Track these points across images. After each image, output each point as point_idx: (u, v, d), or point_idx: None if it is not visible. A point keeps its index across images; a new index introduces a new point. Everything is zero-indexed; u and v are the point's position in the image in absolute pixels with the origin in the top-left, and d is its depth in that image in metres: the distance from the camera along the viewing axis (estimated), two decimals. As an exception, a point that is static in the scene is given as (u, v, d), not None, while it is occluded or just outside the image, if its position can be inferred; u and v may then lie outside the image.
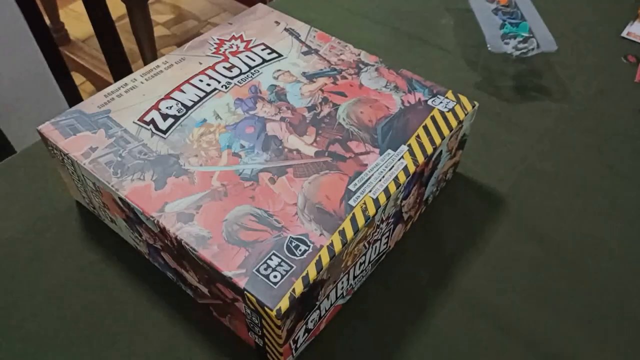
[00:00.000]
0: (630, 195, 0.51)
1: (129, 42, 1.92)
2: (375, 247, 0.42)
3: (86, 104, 0.45)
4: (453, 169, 0.52)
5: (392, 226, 0.43)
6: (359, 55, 0.51)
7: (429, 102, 0.45)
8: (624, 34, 0.72)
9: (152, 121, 0.43)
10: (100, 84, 1.88)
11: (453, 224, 0.48)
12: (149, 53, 1.46)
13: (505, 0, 0.68)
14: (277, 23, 0.54)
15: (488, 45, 0.60)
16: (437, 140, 0.42)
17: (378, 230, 0.40)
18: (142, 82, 0.47)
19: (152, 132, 0.43)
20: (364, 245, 0.39)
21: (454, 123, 0.44)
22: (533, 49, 0.60)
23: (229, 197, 0.38)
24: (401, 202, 0.41)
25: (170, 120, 0.43)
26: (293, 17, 0.70)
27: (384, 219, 0.40)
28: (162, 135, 0.42)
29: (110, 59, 1.29)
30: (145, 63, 1.50)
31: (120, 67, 1.34)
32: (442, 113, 0.44)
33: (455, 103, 0.46)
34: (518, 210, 0.50)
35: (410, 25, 0.73)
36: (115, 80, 1.37)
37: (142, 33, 1.37)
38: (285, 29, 0.53)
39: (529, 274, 0.45)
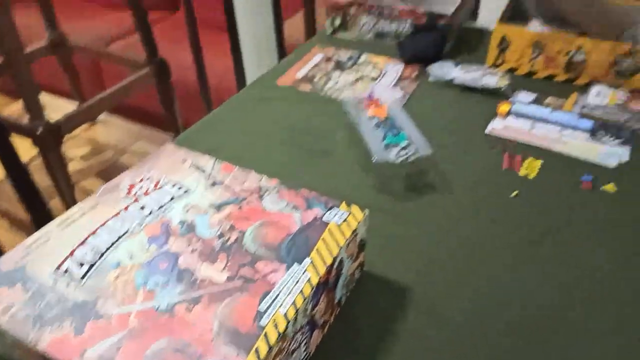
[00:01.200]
0: (516, 276, 0.59)
1: (47, 179, 1.91)
2: (295, 356, 0.45)
3: (3, 260, 0.47)
4: (360, 269, 0.57)
5: (308, 333, 0.46)
6: (260, 180, 0.57)
7: (325, 217, 0.52)
8: (488, 129, 0.85)
9: (68, 270, 0.45)
10: (18, 225, 1.82)
11: (367, 319, 0.53)
12: (66, 190, 1.46)
13: (384, 114, 0.80)
14: (184, 160, 0.60)
15: (374, 157, 0.69)
16: (335, 250, 0.48)
17: (294, 340, 0.43)
18: (57, 233, 0.50)
19: (69, 280, 0.44)
20: (284, 356, 0.42)
21: (348, 233, 0.50)
22: (413, 154, 0.70)
23: (147, 333, 0.40)
24: (311, 311, 0.45)
25: (85, 267, 0.46)
26: (202, 145, 0.77)
27: (297, 329, 0.43)
28: (79, 282, 0.44)
29: (25, 201, 1.28)
30: (63, 200, 1.50)
31: (37, 207, 1.32)
32: (337, 225, 0.51)
33: (348, 213, 0.52)
34: (424, 298, 0.55)
35: (310, 142, 0.82)
36: (35, 221, 1.34)
37: (57, 172, 1.39)
38: (192, 165, 0.59)
39: (443, 356, 0.49)
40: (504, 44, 0.98)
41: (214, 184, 0.56)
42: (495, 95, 0.93)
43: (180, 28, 1.22)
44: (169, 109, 1.18)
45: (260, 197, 0.54)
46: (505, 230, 0.65)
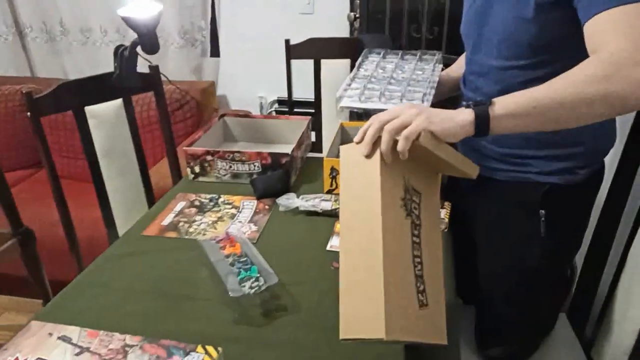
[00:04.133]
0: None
1: None
2: None
3: None
4: (223, 400, 0.66)
5: None
6: (124, 339, 0.65)
7: (181, 362, 0.61)
8: (328, 246, 1.02)
9: None
10: None
11: None
12: None
13: (238, 250, 0.93)
14: (50, 334, 0.66)
15: (230, 293, 0.81)
16: (190, 390, 0.57)
17: None
18: None
19: None
20: None
21: (201, 372, 0.59)
22: (263, 285, 0.83)
23: None
24: None
25: None
26: (71, 310, 0.82)
27: None
28: None
29: None
30: None
31: None
32: (192, 367, 0.60)
33: (203, 355, 0.62)
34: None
35: (175, 288, 0.91)
36: None
37: None
38: (59, 337, 0.66)
39: None
40: (333, 173, 1.20)
41: (80, 352, 0.63)
42: (333, 216, 1.13)
43: (45, 182, 1.28)
44: (35, 276, 1.19)
45: (125, 355, 0.62)
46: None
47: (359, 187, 0.67)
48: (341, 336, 0.61)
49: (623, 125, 1.02)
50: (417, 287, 0.67)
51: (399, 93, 0.99)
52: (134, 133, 1.38)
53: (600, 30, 0.72)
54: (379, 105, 0.95)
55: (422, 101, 0.96)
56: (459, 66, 1.17)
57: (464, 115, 0.71)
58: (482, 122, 0.70)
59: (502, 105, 0.71)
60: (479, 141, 0.98)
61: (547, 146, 0.90)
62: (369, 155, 0.67)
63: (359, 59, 1.17)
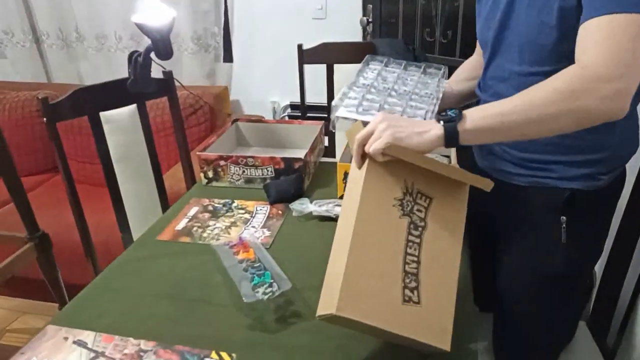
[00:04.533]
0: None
1: None
2: None
3: None
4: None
5: None
6: (139, 344, 0.65)
7: (195, 368, 0.61)
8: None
9: None
10: None
11: None
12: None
13: (252, 256, 0.93)
14: (66, 338, 0.66)
15: (244, 298, 0.81)
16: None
17: None
18: None
19: None
20: None
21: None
22: (276, 290, 0.83)
23: None
24: None
25: None
26: (87, 314, 0.82)
27: None
28: None
29: None
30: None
31: None
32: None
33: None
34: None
35: (191, 292, 0.91)
36: None
37: None
38: (74, 342, 0.66)
39: None
40: (346, 177, 1.20)
41: (95, 356, 0.63)
42: (347, 221, 1.12)
43: (61, 187, 1.29)
44: (52, 280, 1.20)
45: (139, 360, 0.62)
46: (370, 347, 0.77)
47: (353, 191, 0.75)
48: (317, 314, 0.68)
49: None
50: (405, 282, 0.70)
51: (400, 107, 0.96)
52: (148, 138, 1.39)
53: (585, 37, 0.73)
54: None
55: (425, 118, 0.93)
56: (460, 79, 1.14)
57: (434, 130, 0.74)
58: (451, 137, 0.74)
59: (472, 119, 0.73)
60: (496, 145, 0.97)
61: (570, 151, 0.88)
62: (358, 166, 0.77)
63: (360, 66, 1.13)
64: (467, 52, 1.21)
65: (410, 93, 1.01)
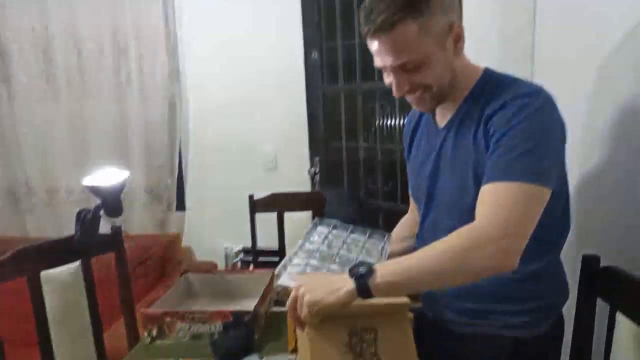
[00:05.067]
0: None
1: None
2: None
3: None
4: None
5: None
6: None
7: None
8: None
9: None
10: None
11: None
12: None
13: None
14: None
15: None
16: None
17: None
18: None
19: None
20: None
21: None
22: None
23: None
24: None
25: None
26: None
27: None
28: None
29: None
30: None
31: None
32: None
33: None
34: None
35: None
36: None
37: None
38: None
39: None
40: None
41: None
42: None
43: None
44: None
45: None
46: None
47: (304, 347, 0.79)
48: None
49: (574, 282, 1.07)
50: None
51: None
52: (90, 296, 1.34)
53: (481, 199, 0.84)
54: None
55: None
56: (399, 239, 1.22)
57: (347, 287, 0.79)
58: (363, 291, 0.79)
59: (381, 275, 0.79)
60: (439, 295, 1.00)
61: (506, 301, 0.93)
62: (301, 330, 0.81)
63: (309, 228, 1.18)
64: (408, 199, 1.30)
65: (353, 261, 1.05)
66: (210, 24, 2.29)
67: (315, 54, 2.17)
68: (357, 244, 1.14)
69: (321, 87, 2.19)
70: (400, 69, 0.89)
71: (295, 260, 1.01)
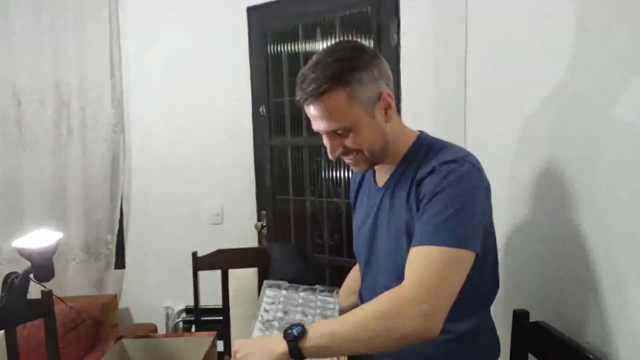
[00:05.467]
0: None
1: None
2: None
3: None
4: None
5: None
6: None
7: None
8: None
9: None
10: None
11: None
12: None
13: None
14: None
15: None
16: None
17: None
18: None
19: None
20: None
21: None
22: None
23: None
24: None
25: None
26: None
27: None
28: None
29: None
30: None
31: None
32: None
33: None
34: None
35: None
36: None
37: None
38: None
39: None
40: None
41: None
42: None
43: None
44: None
45: None
46: None
47: None
48: None
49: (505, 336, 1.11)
50: None
51: None
52: (13, 368, 1.23)
53: (410, 261, 0.86)
54: None
55: None
56: (347, 294, 1.22)
57: (280, 348, 0.82)
58: (294, 353, 0.81)
59: (310, 338, 0.82)
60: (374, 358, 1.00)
61: None
62: None
63: (260, 295, 1.17)
64: (353, 253, 1.32)
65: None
66: (158, 76, 2.30)
67: (262, 109, 2.21)
68: (310, 305, 1.14)
69: (268, 140, 2.22)
70: (333, 133, 0.93)
71: (256, 333, 1.01)
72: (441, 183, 0.87)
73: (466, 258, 0.84)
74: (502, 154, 1.36)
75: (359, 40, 1.91)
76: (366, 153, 0.95)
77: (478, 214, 0.88)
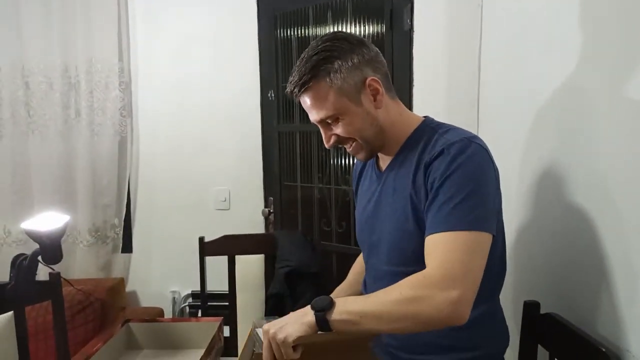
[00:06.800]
0: None
1: None
2: None
3: None
4: None
5: None
6: None
7: None
8: None
9: None
10: None
11: None
12: None
13: None
14: None
15: None
16: None
17: None
18: None
19: None
20: None
21: None
22: None
23: None
24: None
25: None
26: None
27: None
28: None
29: None
30: None
31: None
32: None
33: None
34: None
35: None
36: None
37: None
38: None
39: None
40: (246, 383, 1.12)
41: None
42: None
43: None
44: None
45: None
46: None
47: None
48: None
49: (515, 327, 1.10)
50: None
51: None
52: (22, 350, 1.24)
53: (428, 248, 0.85)
54: None
55: None
56: (351, 285, 1.22)
57: (309, 318, 0.83)
58: (322, 324, 0.82)
59: (338, 311, 0.83)
60: (388, 347, 0.99)
61: (450, 351, 0.94)
62: None
63: (249, 337, 1.11)
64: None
65: None
66: (166, 61, 2.28)
67: (271, 94, 2.19)
68: None
69: (277, 126, 2.21)
70: (323, 123, 0.97)
71: None
72: (451, 165, 0.86)
73: (485, 240, 0.84)
74: (514, 142, 1.34)
75: (370, 24, 1.88)
76: (360, 140, 0.96)
77: (491, 195, 0.88)
